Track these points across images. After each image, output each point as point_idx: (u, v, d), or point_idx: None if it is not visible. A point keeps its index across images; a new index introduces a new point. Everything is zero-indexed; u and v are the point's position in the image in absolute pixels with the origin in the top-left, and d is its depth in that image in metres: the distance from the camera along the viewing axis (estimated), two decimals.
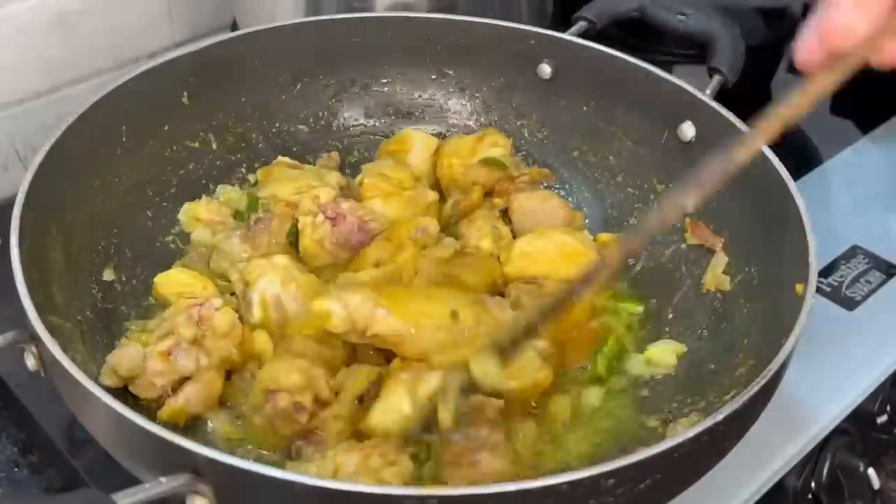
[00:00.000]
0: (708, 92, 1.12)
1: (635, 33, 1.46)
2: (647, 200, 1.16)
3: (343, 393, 0.91)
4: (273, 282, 1.00)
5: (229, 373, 0.96)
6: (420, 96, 1.28)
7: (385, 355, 0.96)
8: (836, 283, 1.22)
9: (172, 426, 0.91)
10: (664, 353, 1.03)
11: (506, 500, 0.67)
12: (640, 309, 1.08)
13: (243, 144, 1.21)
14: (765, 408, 0.84)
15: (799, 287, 0.88)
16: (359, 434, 0.89)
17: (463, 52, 1.24)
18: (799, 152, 1.44)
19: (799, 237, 0.92)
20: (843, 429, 1.11)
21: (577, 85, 1.21)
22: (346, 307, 0.91)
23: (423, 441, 0.88)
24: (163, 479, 0.68)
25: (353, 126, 1.27)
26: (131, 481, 0.69)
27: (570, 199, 1.21)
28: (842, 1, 0.69)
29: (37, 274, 0.88)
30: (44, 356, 0.81)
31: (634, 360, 1.03)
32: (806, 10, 1.73)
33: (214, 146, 1.19)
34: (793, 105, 0.74)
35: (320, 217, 1.06)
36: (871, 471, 1.14)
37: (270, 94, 1.22)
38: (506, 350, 0.86)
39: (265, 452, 0.91)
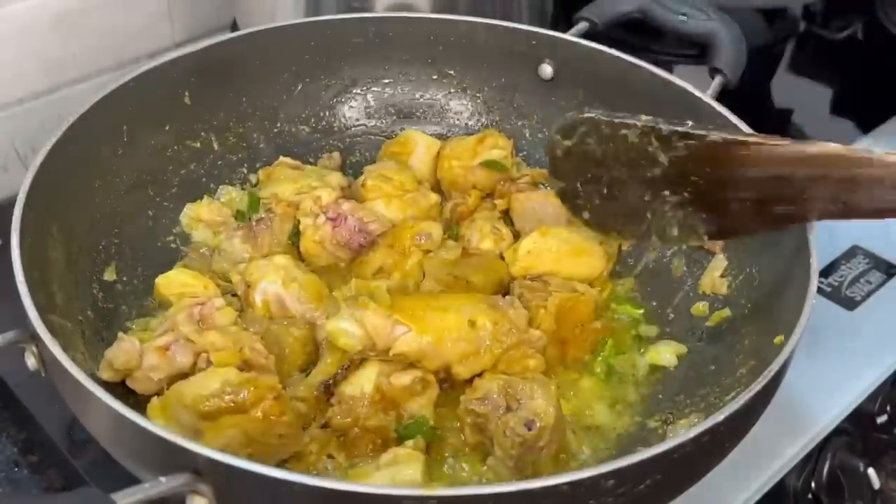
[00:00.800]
0: (709, 92, 1.13)
1: (636, 34, 1.46)
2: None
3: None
4: (275, 282, 1.01)
5: None
6: (421, 96, 1.28)
7: None
8: (836, 283, 1.22)
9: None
10: (665, 354, 1.03)
11: (506, 500, 0.67)
12: (639, 312, 1.08)
13: (244, 144, 1.21)
14: (765, 408, 0.84)
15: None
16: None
17: (464, 53, 1.24)
18: None
19: (799, 237, 0.92)
20: (843, 429, 1.11)
21: (578, 85, 1.21)
22: (363, 326, 0.91)
23: None
24: (162, 479, 0.68)
25: (354, 126, 1.27)
26: (131, 481, 0.69)
27: None
28: None
29: (37, 274, 0.88)
30: (44, 356, 0.81)
31: (635, 361, 1.04)
32: (806, 9, 1.73)
33: (215, 146, 1.19)
34: None
35: (321, 218, 1.07)
36: (871, 471, 1.14)
37: (271, 95, 1.22)
38: None
39: None
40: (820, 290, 1.18)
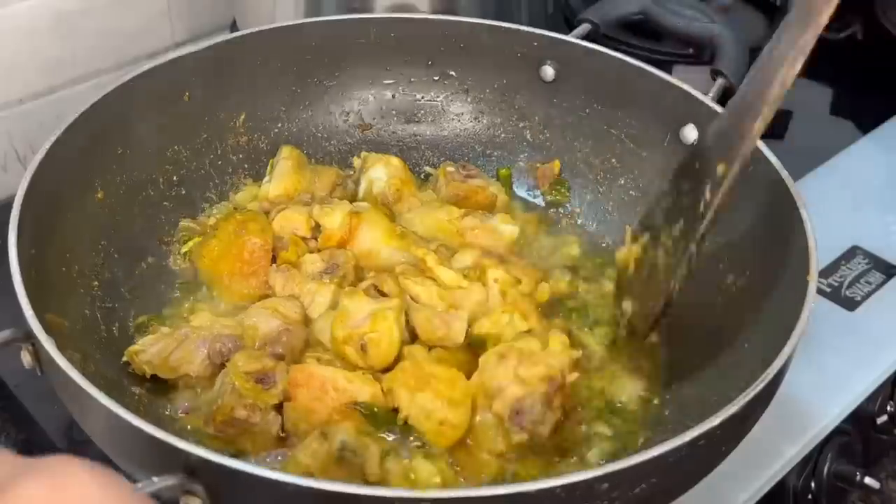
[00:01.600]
0: (711, 95, 1.12)
1: (638, 35, 1.46)
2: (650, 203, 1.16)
3: None
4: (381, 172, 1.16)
5: None
6: (422, 98, 1.28)
7: None
8: (836, 284, 1.22)
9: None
10: None
11: (500, 502, 0.67)
12: None
13: (245, 145, 1.21)
14: (764, 411, 0.83)
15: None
16: None
17: (465, 54, 1.24)
18: (799, 152, 1.44)
19: (799, 237, 0.92)
20: (843, 429, 1.11)
21: (579, 87, 1.21)
22: None
23: None
24: (155, 479, 0.68)
25: (355, 127, 1.27)
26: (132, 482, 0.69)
27: (572, 200, 1.22)
28: None
29: (35, 273, 0.88)
30: (40, 355, 0.81)
31: None
32: None
33: (216, 146, 1.19)
34: None
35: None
36: (871, 471, 1.14)
37: (272, 95, 1.22)
38: None
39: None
40: (820, 291, 1.18)
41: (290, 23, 1.21)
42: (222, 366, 0.94)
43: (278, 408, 0.91)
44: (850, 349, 1.14)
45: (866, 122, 1.52)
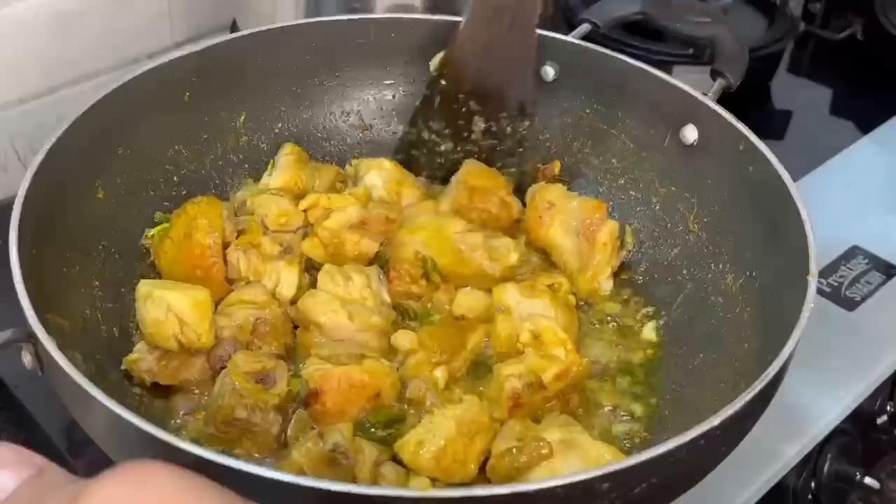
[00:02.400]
0: (710, 95, 1.12)
1: (638, 35, 1.46)
2: (650, 203, 1.16)
3: None
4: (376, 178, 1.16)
5: None
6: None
7: None
8: (836, 284, 1.22)
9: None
10: None
11: (499, 502, 0.67)
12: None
13: (245, 145, 1.21)
14: (763, 411, 0.83)
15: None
16: None
17: None
18: (799, 152, 1.44)
19: (799, 237, 0.92)
20: (843, 429, 1.11)
21: (579, 87, 1.21)
22: None
23: None
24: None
25: (355, 127, 1.27)
26: None
27: None
28: None
29: (36, 273, 0.88)
30: (41, 355, 0.81)
31: None
32: (806, 10, 1.73)
33: (216, 146, 1.19)
34: None
35: None
36: (871, 471, 1.14)
37: (272, 95, 1.22)
38: None
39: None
40: (820, 291, 1.18)
41: (290, 23, 1.21)
42: (223, 368, 0.94)
43: (280, 409, 0.91)
44: (850, 349, 1.14)
45: (866, 122, 1.52)
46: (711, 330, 1.02)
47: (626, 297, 1.12)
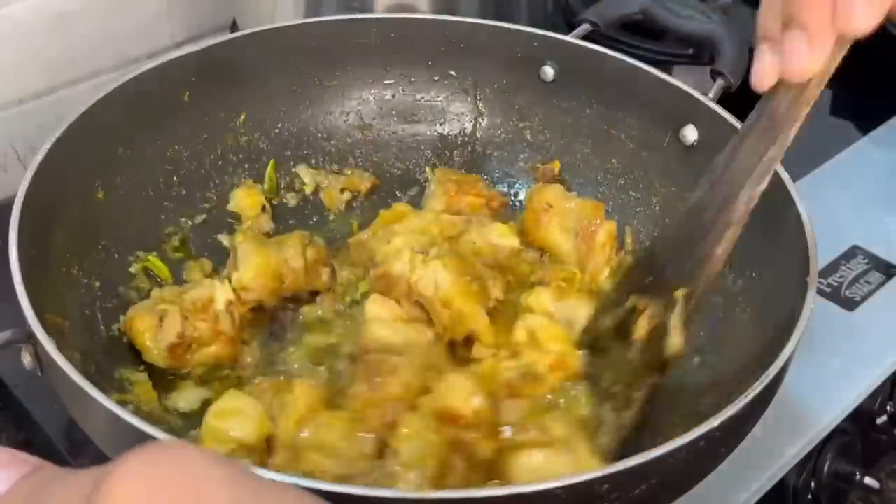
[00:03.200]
0: (711, 95, 1.12)
1: (638, 35, 1.46)
2: (650, 203, 1.16)
3: None
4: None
5: None
6: (422, 98, 1.27)
7: None
8: (836, 284, 1.22)
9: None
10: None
11: (498, 503, 0.67)
12: None
13: (245, 145, 1.21)
14: (763, 412, 0.83)
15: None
16: None
17: (465, 55, 1.24)
18: (799, 152, 1.44)
19: (799, 238, 0.92)
20: (843, 429, 1.11)
21: (579, 87, 1.21)
22: None
23: None
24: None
25: (355, 127, 1.27)
26: None
27: None
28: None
29: (35, 273, 0.88)
30: (40, 355, 0.81)
31: None
32: None
33: (216, 146, 1.19)
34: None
35: None
36: (871, 471, 1.14)
37: (272, 95, 1.22)
38: None
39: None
40: (820, 291, 1.18)
41: (290, 23, 1.21)
42: None
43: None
44: (850, 349, 1.14)
45: (866, 122, 1.52)
46: (711, 330, 1.03)
47: None
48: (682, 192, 1.12)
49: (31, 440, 1.03)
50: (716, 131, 1.08)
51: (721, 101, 1.10)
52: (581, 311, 1.00)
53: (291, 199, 1.22)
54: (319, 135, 1.26)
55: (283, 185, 1.22)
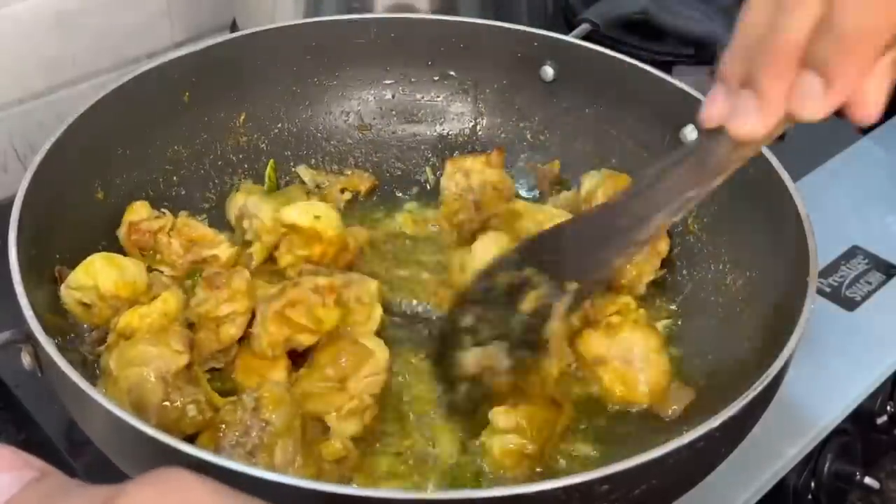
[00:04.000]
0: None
1: (638, 35, 1.46)
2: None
3: None
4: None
5: None
6: (422, 98, 1.27)
7: None
8: (836, 284, 1.21)
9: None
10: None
11: None
12: None
13: (245, 145, 1.21)
14: (763, 412, 0.83)
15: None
16: None
17: (465, 54, 1.24)
18: (799, 152, 1.44)
19: (799, 238, 0.92)
20: (843, 429, 1.11)
21: (579, 87, 1.21)
22: None
23: None
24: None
25: (355, 127, 1.27)
26: None
27: None
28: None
29: (35, 273, 0.88)
30: (40, 356, 0.81)
31: None
32: None
33: (216, 146, 1.19)
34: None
35: None
36: (871, 471, 1.14)
37: (272, 95, 1.22)
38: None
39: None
40: (820, 291, 1.18)
41: (290, 23, 1.21)
42: None
43: None
44: (850, 349, 1.14)
45: None
46: (711, 330, 1.03)
47: None
48: None
49: (31, 440, 1.03)
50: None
51: None
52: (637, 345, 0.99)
53: None
54: (319, 135, 1.26)
55: (282, 185, 1.22)
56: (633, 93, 1.16)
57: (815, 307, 0.85)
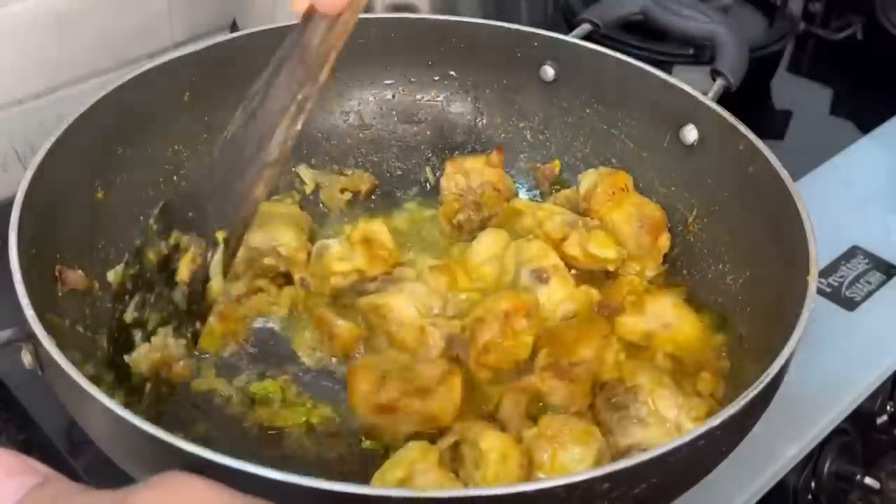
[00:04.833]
0: (710, 95, 1.12)
1: (638, 35, 1.46)
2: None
3: None
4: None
5: None
6: (422, 98, 1.27)
7: None
8: (836, 284, 1.22)
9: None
10: None
11: (499, 502, 0.67)
12: None
13: None
14: (764, 411, 0.83)
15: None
16: None
17: (465, 55, 1.24)
18: (799, 152, 1.44)
19: (799, 237, 0.92)
20: (843, 429, 1.11)
21: (579, 87, 1.21)
22: None
23: None
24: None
25: (355, 127, 1.27)
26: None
27: None
28: None
29: (36, 272, 0.88)
30: (40, 355, 0.81)
31: None
32: (806, 10, 1.73)
33: (216, 146, 1.19)
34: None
35: None
36: (871, 471, 1.14)
37: None
38: None
39: None
40: (820, 291, 1.17)
41: (290, 23, 1.20)
42: None
43: None
44: (850, 349, 1.14)
45: (866, 122, 1.52)
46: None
47: None
48: (682, 191, 1.13)
49: (31, 440, 1.03)
50: (716, 131, 1.08)
51: (721, 101, 1.10)
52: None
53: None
54: (319, 135, 1.26)
55: (282, 186, 1.22)
56: (633, 93, 1.16)
57: (815, 307, 0.85)
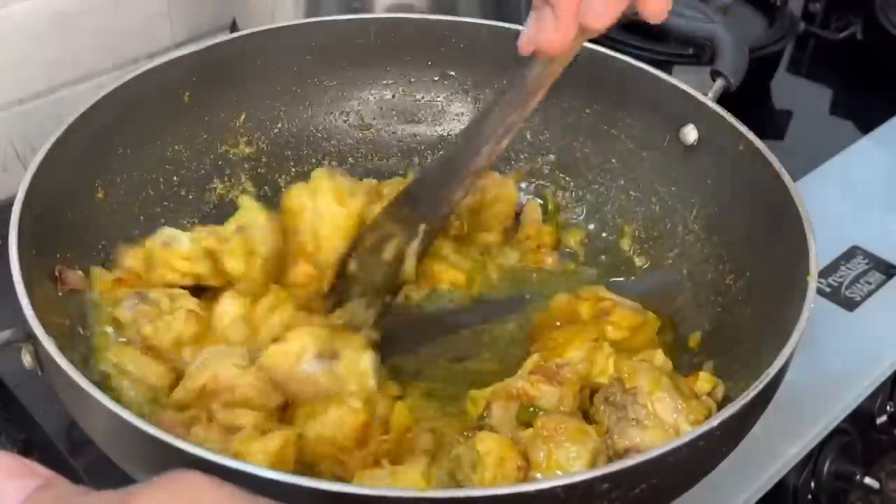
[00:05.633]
0: (710, 95, 1.12)
1: (637, 35, 1.46)
2: (649, 203, 1.16)
3: None
4: None
5: None
6: (422, 98, 1.27)
7: None
8: (835, 284, 1.22)
9: None
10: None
11: (499, 502, 0.67)
12: None
13: (245, 145, 1.21)
14: (764, 411, 0.83)
15: None
16: None
17: (465, 54, 1.24)
18: (799, 152, 1.44)
19: (799, 238, 0.92)
20: (843, 429, 1.11)
21: (579, 87, 1.20)
22: None
23: None
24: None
25: (355, 127, 1.27)
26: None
27: (570, 201, 1.22)
28: None
29: (36, 272, 0.88)
30: (40, 355, 0.81)
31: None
32: (806, 10, 1.73)
33: (216, 146, 1.19)
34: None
35: None
36: (871, 471, 1.14)
37: (272, 95, 1.22)
38: None
39: None
40: (819, 291, 1.18)
41: (290, 23, 1.21)
42: None
43: None
44: (850, 349, 1.14)
45: (866, 122, 1.52)
46: (711, 330, 1.03)
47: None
48: (683, 191, 1.13)
49: (31, 440, 1.03)
50: (716, 131, 1.08)
51: (721, 101, 1.10)
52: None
53: None
54: (319, 135, 1.26)
55: (282, 186, 1.22)
56: (633, 93, 1.16)
57: (814, 307, 0.85)
